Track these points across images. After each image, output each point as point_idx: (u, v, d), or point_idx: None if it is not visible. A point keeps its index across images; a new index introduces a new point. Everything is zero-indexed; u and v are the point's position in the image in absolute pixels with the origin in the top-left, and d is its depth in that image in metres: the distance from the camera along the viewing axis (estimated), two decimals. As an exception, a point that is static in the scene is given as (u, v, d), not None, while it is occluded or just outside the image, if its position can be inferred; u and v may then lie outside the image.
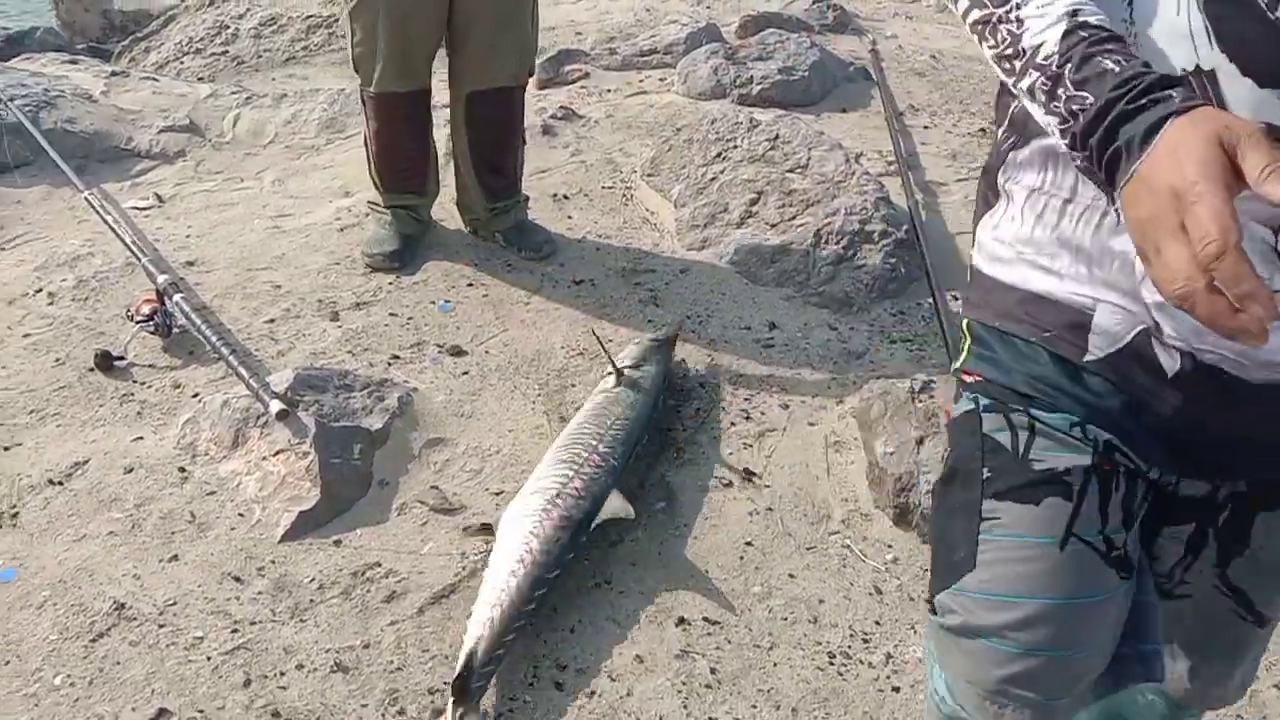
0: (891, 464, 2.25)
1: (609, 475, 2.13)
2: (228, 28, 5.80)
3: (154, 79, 4.63)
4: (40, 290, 2.94)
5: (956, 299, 3.02)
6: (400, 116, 2.96)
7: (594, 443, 2.19)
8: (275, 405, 2.26)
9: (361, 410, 2.38)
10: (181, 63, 5.57)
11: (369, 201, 3.21)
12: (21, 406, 2.47)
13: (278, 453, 2.25)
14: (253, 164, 3.95)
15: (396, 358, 2.66)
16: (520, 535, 1.96)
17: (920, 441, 2.26)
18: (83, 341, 2.71)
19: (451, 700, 1.72)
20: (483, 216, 3.15)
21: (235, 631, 1.89)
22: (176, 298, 2.66)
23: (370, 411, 2.39)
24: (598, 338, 2.53)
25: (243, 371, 2.38)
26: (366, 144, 3.08)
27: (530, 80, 3.11)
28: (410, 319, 2.83)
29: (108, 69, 4.67)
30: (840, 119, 4.21)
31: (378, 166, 3.06)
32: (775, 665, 1.88)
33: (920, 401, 2.36)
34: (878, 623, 1.99)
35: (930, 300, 2.88)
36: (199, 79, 5.13)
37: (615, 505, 2.07)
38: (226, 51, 5.58)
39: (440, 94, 3.07)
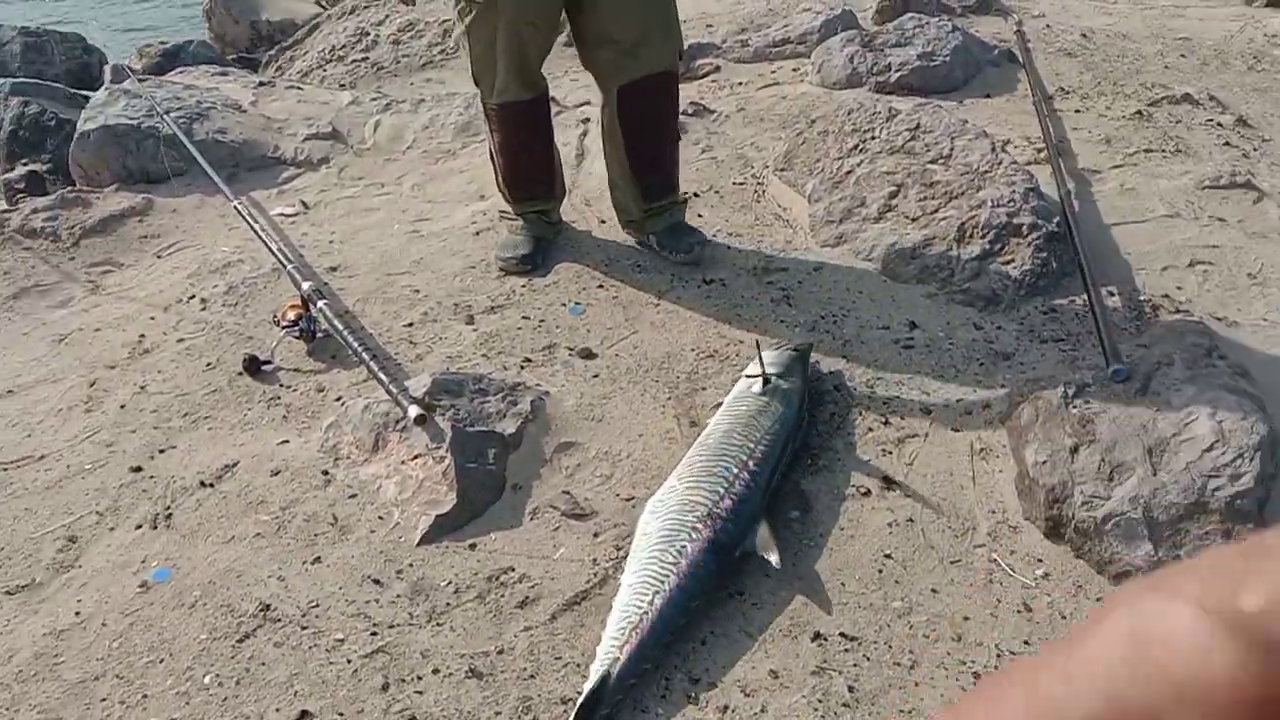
0: (1043, 474, 2.12)
1: (759, 496, 2.08)
2: (368, 34, 5.97)
3: (299, 88, 4.80)
4: (194, 296, 3.08)
5: (1113, 294, 2.84)
6: (524, 125, 2.96)
7: (745, 458, 2.12)
8: (413, 410, 2.29)
9: (496, 415, 2.39)
10: (325, 70, 5.76)
11: (500, 211, 3.23)
12: (176, 410, 2.58)
13: (416, 457, 2.29)
14: (392, 169, 4.05)
15: (529, 360, 2.67)
16: (668, 554, 1.93)
17: (1074, 450, 2.13)
18: (233, 346, 2.81)
19: None
20: (638, 218, 3.09)
21: (374, 634, 1.92)
22: (320, 303, 2.74)
23: (504, 416, 2.40)
24: (759, 348, 2.40)
25: (382, 376, 2.43)
26: (492, 157, 3.08)
27: (680, 65, 2.98)
28: (542, 321, 2.84)
29: (255, 79, 4.87)
30: (985, 105, 4.03)
31: (505, 178, 3.07)
32: (917, 685, 1.80)
33: (1074, 407, 2.22)
34: (1026, 642, 1.87)
35: (1084, 297, 2.71)
36: (341, 86, 5.29)
37: (763, 539, 2.01)
38: (367, 58, 5.75)
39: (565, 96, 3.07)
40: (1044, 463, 2.14)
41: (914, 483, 2.24)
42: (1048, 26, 4.92)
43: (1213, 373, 2.33)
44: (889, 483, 2.24)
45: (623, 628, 1.81)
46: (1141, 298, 2.84)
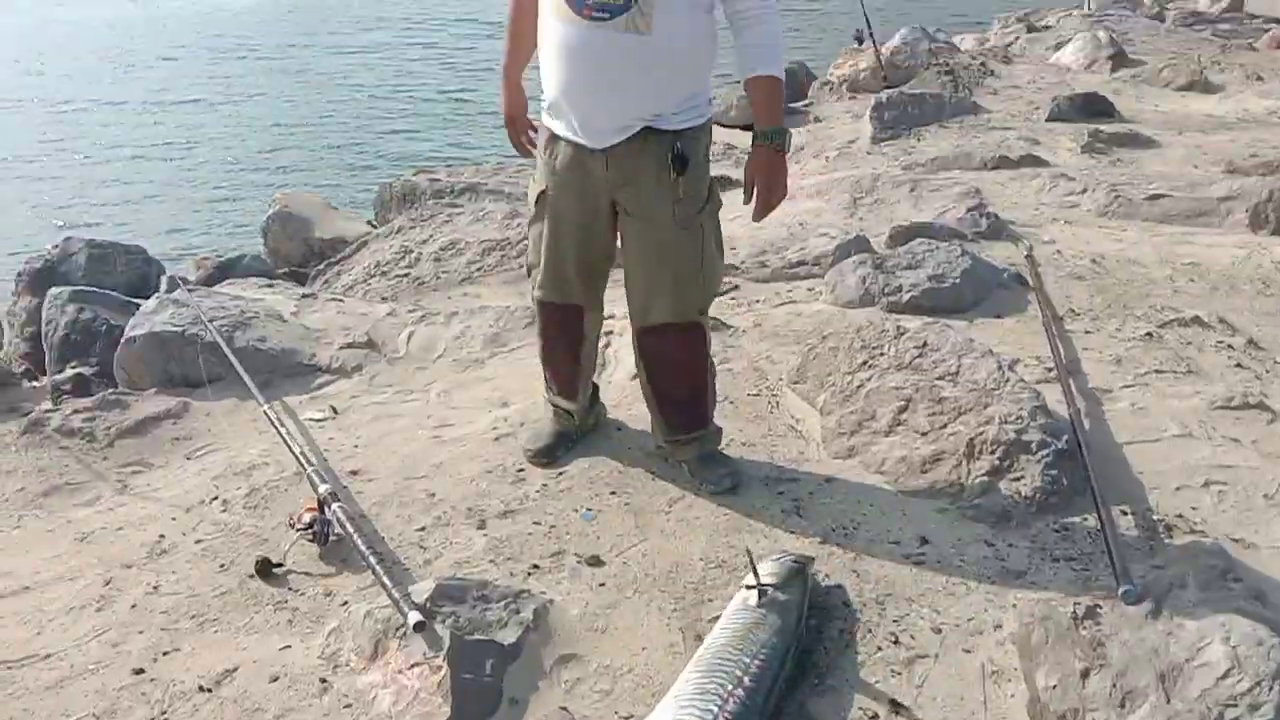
0: (1054, 699, 2.06)
1: (755, 715, 2.04)
2: (412, 252, 6.29)
3: (340, 300, 5.03)
4: (216, 498, 3.15)
5: (1126, 514, 2.82)
6: (552, 324, 3.08)
7: (739, 674, 2.08)
8: (414, 616, 2.29)
9: (496, 623, 2.38)
10: (369, 284, 6.04)
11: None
12: (185, 611, 2.60)
13: (413, 665, 2.27)
14: (422, 377, 4.18)
15: (536, 567, 2.68)
16: None
17: (1085, 674, 2.07)
18: (248, 548, 2.85)
19: None
20: (664, 444, 3.13)
21: None
22: (335, 506, 2.79)
23: (505, 625, 2.39)
24: (750, 555, 2.42)
25: (386, 581, 2.44)
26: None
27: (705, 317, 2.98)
28: (553, 527, 2.86)
29: (300, 291, 5.12)
30: (995, 325, 4.13)
31: (541, 361, 3.20)
32: None
33: (1085, 629, 2.18)
34: None
35: (1095, 515, 2.70)
36: (382, 299, 5.54)
37: None
38: (409, 274, 6.03)
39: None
40: (1054, 687, 2.08)
41: (924, 706, 2.18)
42: (1058, 252, 5.09)
43: (1228, 595, 2.28)
44: (897, 706, 2.18)
45: None
46: (1155, 517, 2.82)
